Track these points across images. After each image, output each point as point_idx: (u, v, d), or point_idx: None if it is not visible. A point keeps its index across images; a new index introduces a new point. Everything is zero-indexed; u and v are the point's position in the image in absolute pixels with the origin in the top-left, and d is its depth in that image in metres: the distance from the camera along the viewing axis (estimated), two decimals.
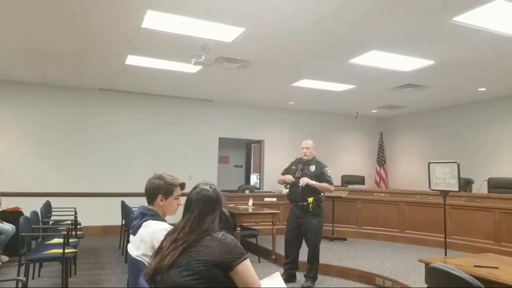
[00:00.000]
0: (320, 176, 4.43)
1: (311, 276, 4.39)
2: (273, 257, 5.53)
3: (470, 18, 3.88)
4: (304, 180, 4.33)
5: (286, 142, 9.48)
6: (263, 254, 5.70)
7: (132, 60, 5.60)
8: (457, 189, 4.44)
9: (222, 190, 6.42)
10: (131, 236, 2.08)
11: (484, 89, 6.92)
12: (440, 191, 4.62)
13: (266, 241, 5.79)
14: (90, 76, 6.69)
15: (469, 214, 6.06)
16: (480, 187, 6.85)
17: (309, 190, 4.33)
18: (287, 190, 4.69)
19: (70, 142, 7.44)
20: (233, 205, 6.43)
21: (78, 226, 5.23)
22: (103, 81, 7.07)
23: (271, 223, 5.67)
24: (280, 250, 5.58)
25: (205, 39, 4.58)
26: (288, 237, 4.57)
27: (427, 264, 2.43)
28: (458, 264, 2.47)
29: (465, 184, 6.76)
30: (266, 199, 7.28)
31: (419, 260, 2.79)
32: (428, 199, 6.47)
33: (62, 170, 7.34)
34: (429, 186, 4.78)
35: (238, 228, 5.30)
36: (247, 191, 7.74)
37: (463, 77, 6.17)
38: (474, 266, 2.47)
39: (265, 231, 6.06)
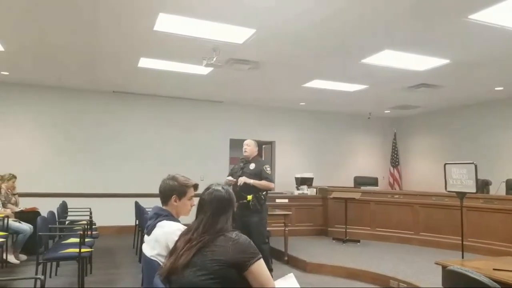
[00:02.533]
0: (260, 173, 4.49)
1: None
2: (285, 258, 5.51)
3: (487, 15, 3.81)
4: (242, 179, 4.41)
5: (298, 143, 9.45)
6: (275, 255, 5.67)
7: (145, 62, 5.65)
8: (474, 191, 4.35)
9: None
10: (145, 236, 2.10)
11: (501, 88, 6.78)
12: (457, 192, 4.53)
13: (278, 242, 5.77)
14: (104, 79, 6.77)
15: (486, 216, 5.92)
16: (498, 189, 6.70)
17: (248, 188, 4.38)
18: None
19: (84, 144, 7.56)
20: None
21: (93, 226, 5.29)
22: (116, 83, 7.15)
23: (283, 224, 5.64)
24: (292, 251, 5.57)
25: (216, 41, 4.59)
26: None
27: (444, 267, 2.37)
28: (477, 267, 2.41)
29: (483, 186, 6.61)
30: (277, 200, 7.24)
31: (435, 263, 2.73)
32: (443, 201, 6.35)
33: (78, 172, 7.46)
34: (445, 188, 4.70)
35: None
36: None
37: (480, 76, 6.06)
38: (493, 269, 2.41)
39: (277, 233, 6.03)
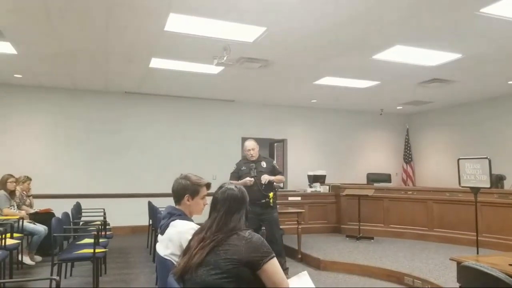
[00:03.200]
0: (273, 170, 4.58)
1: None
2: (299, 256, 5.51)
3: (498, 9, 3.76)
4: (266, 177, 4.40)
5: (309, 140, 9.43)
6: (288, 253, 5.66)
7: (156, 63, 5.70)
8: (488, 186, 4.29)
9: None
10: (159, 235, 2.12)
11: None
12: (471, 188, 4.48)
13: (292, 240, 5.78)
14: (116, 79, 6.86)
15: (501, 211, 5.83)
16: None
17: (268, 186, 4.46)
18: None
19: (97, 145, 7.66)
20: None
21: (107, 227, 5.35)
22: (128, 84, 7.23)
23: (296, 222, 5.64)
24: (306, 249, 5.57)
25: (227, 40, 4.62)
26: None
27: (459, 263, 2.35)
28: (492, 262, 2.39)
29: (497, 181, 6.52)
30: (290, 198, 7.25)
31: (450, 259, 2.70)
32: (457, 196, 6.28)
33: (91, 172, 7.57)
34: (459, 183, 4.64)
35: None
36: None
37: (492, 70, 5.96)
38: (509, 264, 2.38)
39: (290, 231, 6.04)
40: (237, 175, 4.62)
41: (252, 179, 4.41)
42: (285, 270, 4.37)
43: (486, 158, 4.28)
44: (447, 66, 5.64)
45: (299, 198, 7.31)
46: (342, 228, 7.16)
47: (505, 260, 2.55)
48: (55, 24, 4.25)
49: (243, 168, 4.62)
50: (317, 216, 7.31)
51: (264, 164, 4.59)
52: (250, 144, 4.66)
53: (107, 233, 5.11)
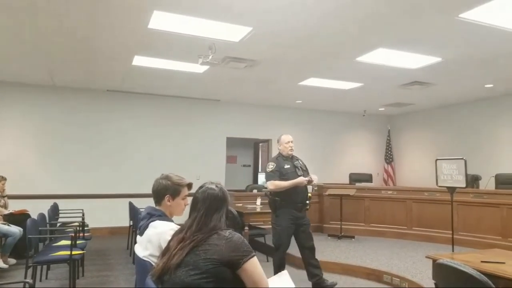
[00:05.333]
0: (307, 169, 4.26)
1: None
2: None
3: (477, 14, 3.86)
4: (316, 177, 4.05)
5: (294, 141, 9.42)
6: (271, 253, 5.69)
7: (139, 60, 5.65)
8: (464, 186, 4.43)
9: (230, 190, 6.36)
10: (138, 236, 2.09)
11: (491, 85, 6.86)
12: (447, 187, 4.62)
13: None
14: (97, 77, 6.76)
15: (476, 210, 6.02)
16: (487, 183, 6.80)
17: (313, 187, 4.19)
18: (269, 195, 4.14)
19: (77, 144, 7.50)
20: (241, 204, 6.45)
21: (85, 228, 5.25)
22: (110, 82, 7.14)
23: None
24: (288, 249, 5.59)
25: (212, 39, 4.60)
26: (288, 245, 4.14)
27: (434, 261, 2.43)
28: (465, 260, 2.47)
29: (473, 181, 6.73)
30: None
31: (426, 257, 2.79)
32: (435, 196, 6.45)
33: (70, 172, 7.40)
34: (436, 183, 4.77)
35: (246, 227, 5.33)
36: (255, 191, 7.76)
37: (470, 74, 6.12)
38: (481, 261, 2.48)
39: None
40: (279, 174, 4.05)
41: (307, 178, 4.00)
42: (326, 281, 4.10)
43: (462, 159, 4.41)
44: (427, 69, 5.77)
45: None
46: (324, 227, 7.25)
47: (478, 257, 2.64)
48: (35, 16, 4.16)
49: (286, 166, 4.09)
50: None
51: (300, 162, 4.23)
52: (289, 136, 4.29)
53: (86, 234, 5.02)
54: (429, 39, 4.63)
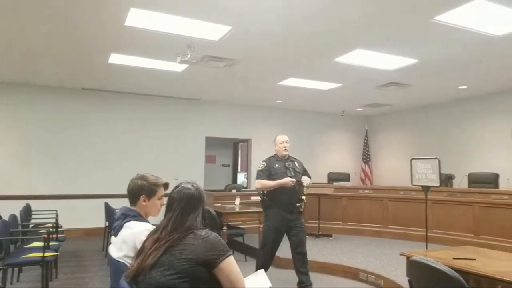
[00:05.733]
0: (304, 173, 4.15)
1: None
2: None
3: (451, 17, 3.96)
4: (308, 180, 3.96)
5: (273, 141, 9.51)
6: (249, 252, 5.72)
7: (116, 58, 5.54)
8: (438, 184, 4.54)
9: (209, 190, 6.38)
10: (112, 237, 2.06)
11: (465, 87, 7.07)
12: (422, 186, 4.72)
13: (253, 239, 5.82)
14: (72, 75, 6.59)
15: (450, 209, 6.20)
16: (460, 182, 7.02)
17: (302, 190, 4.02)
18: (261, 195, 4.12)
19: (51, 143, 7.30)
20: (220, 204, 6.43)
21: (59, 229, 5.13)
22: (85, 80, 6.97)
23: (258, 221, 5.69)
24: None
25: (191, 38, 4.56)
26: (274, 247, 4.08)
27: (408, 258, 2.49)
28: (438, 256, 2.53)
29: (446, 180, 6.92)
30: (253, 197, 7.29)
31: (400, 254, 2.85)
32: (411, 195, 6.60)
33: (43, 172, 7.20)
34: (411, 182, 4.88)
35: (225, 227, 5.31)
36: (234, 190, 7.76)
37: (445, 76, 6.29)
38: (453, 258, 2.54)
39: (252, 230, 6.08)
40: (268, 173, 4.01)
41: (294, 179, 3.90)
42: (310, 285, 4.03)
43: (436, 158, 4.53)
44: (403, 70, 5.89)
45: None
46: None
47: (450, 254, 2.71)
48: (7, 13, 4.02)
49: (277, 166, 4.04)
50: None
51: (297, 164, 4.14)
52: (285, 136, 4.21)
53: (59, 236, 4.90)
54: (405, 41, 4.73)
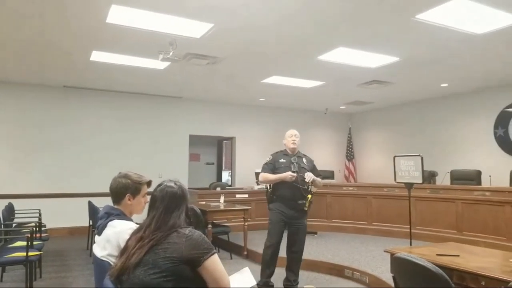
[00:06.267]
0: (313, 170, 4.01)
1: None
2: (245, 253, 5.55)
3: (433, 15, 4.01)
4: (311, 176, 3.81)
5: (258, 138, 9.51)
6: (235, 250, 5.71)
7: (97, 56, 5.43)
8: (421, 181, 4.60)
9: (193, 188, 6.30)
10: (96, 236, 2.03)
11: (446, 85, 7.20)
12: (405, 183, 4.78)
13: (238, 237, 5.81)
14: (53, 72, 6.44)
15: (433, 205, 6.30)
16: (443, 179, 7.14)
17: (308, 187, 3.91)
18: (266, 187, 4.06)
19: (33, 142, 7.15)
20: (204, 202, 6.39)
21: (42, 228, 5.05)
22: (67, 78, 6.82)
23: (242, 219, 5.68)
24: (252, 245, 5.62)
25: (173, 35, 4.50)
26: (277, 243, 3.94)
27: (392, 254, 2.50)
28: (422, 253, 2.56)
29: (429, 177, 7.03)
30: (237, 195, 7.29)
31: (384, 251, 2.87)
32: (394, 192, 6.68)
33: (25, 171, 7.05)
34: (395, 179, 4.93)
35: (210, 225, 5.28)
36: (218, 188, 7.71)
37: (426, 73, 6.39)
38: (437, 254, 2.57)
39: (237, 228, 6.06)
40: (272, 167, 3.95)
41: (295, 174, 3.79)
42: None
43: (419, 155, 4.59)
44: (385, 68, 5.95)
45: (246, 196, 7.36)
46: None
47: (433, 250, 2.74)
48: None
49: (282, 160, 3.96)
50: (264, 213, 7.28)
51: (305, 160, 4.04)
52: (294, 130, 4.15)
53: (43, 235, 4.84)
54: (387, 39, 4.78)
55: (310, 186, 3.90)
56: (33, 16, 4.07)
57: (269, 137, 9.58)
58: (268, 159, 4.07)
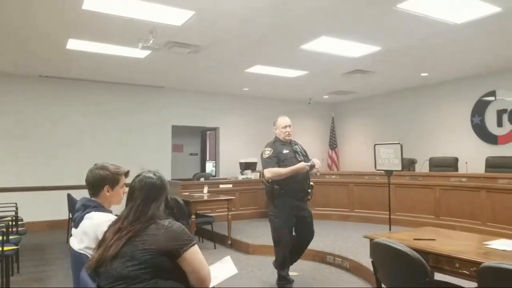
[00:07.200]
0: (306, 154, 3.85)
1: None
2: (229, 242, 5.57)
3: (414, 5, 4.04)
4: (318, 162, 3.63)
5: (242, 128, 9.50)
6: (218, 240, 5.72)
7: (74, 44, 5.28)
8: (400, 169, 4.69)
9: (176, 179, 6.24)
10: (73, 229, 2.01)
11: (426, 74, 7.30)
12: (385, 170, 4.86)
13: (222, 227, 5.82)
14: (28, 61, 6.23)
15: (412, 192, 6.45)
16: (422, 166, 7.30)
17: (312, 174, 3.72)
18: (272, 183, 3.65)
19: (8, 134, 6.93)
20: (188, 193, 6.36)
21: (19, 222, 4.94)
22: (42, 67, 6.62)
23: (226, 209, 5.69)
24: (236, 235, 5.65)
25: (153, 22, 4.41)
26: (290, 240, 3.72)
27: (371, 240, 2.55)
28: (400, 238, 2.61)
29: (409, 164, 7.17)
30: (221, 186, 7.28)
31: (364, 237, 2.92)
32: (375, 179, 6.79)
33: (1, 164, 6.84)
34: (375, 167, 5.01)
35: (193, 216, 5.27)
36: (202, 179, 7.69)
37: (407, 63, 6.46)
38: (414, 239, 2.63)
39: (221, 218, 6.07)
40: (277, 160, 3.63)
41: (309, 164, 3.56)
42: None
43: (398, 143, 4.67)
44: (367, 58, 5.98)
45: (230, 186, 7.37)
46: None
47: (411, 235, 2.80)
48: None
49: (285, 151, 3.68)
50: (248, 202, 7.44)
51: (299, 148, 3.85)
52: (287, 119, 3.84)
53: (20, 229, 4.73)
54: (368, 28, 4.79)
55: (318, 173, 3.75)
56: (5, 2, 3.91)
57: (254, 127, 9.59)
58: (268, 151, 3.69)
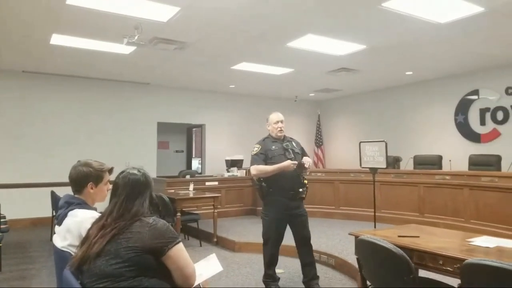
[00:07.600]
0: (303, 153, 3.74)
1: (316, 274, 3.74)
2: (215, 239, 5.56)
3: (398, 4, 4.09)
4: (309, 160, 3.52)
5: (228, 125, 9.47)
6: (204, 237, 5.70)
7: (58, 39, 5.18)
8: (384, 166, 4.74)
9: (162, 176, 6.18)
10: (56, 226, 1.99)
11: (411, 73, 7.40)
12: (370, 168, 4.91)
13: (208, 224, 5.80)
14: (10, 57, 6.09)
15: (396, 189, 6.53)
16: (406, 164, 7.40)
17: (305, 172, 3.59)
18: (259, 181, 3.58)
19: None
20: (173, 190, 6.32)
21: (2, 220, 4.82)
22: (26, 62, 6.48)
23: (212, 206, 5.67)
24: (222, 232, 5.64)
25: (138, 18, 4.36)
26: (278, 239, 3.67)
27: (356, 237, 2.58)
28: (384, 235, 2.64)
29: (394, 162, 7.26)
30: (207, 183, 7.25)
31: (349, 234, 2.94)
32: (360, 177, 6.85)
33: None
34: (360, 164, 5.06)
35: (179, 214, 5.24)
36: (188, 176, 7.65)
37: (392, 61, 6.53)
38: (398, 236, 2.66)
39: (206, 215, 6.05)
40: (264, 157, 3.54)
41: (296, 162, 3.43)
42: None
43: (383, 141, 4.72)
44: (353, 56, 6.03)
45: (216, 183, 7.35)
46: (258, 210, 7.36)
47: (396, 232, 2.84)
48: None
49: (274, 148, 3.57)
50: (234, 200, 7.44)
51: (294, 144, 3.71)
52: (279, 115, 3.74)
53: (2, 226, 4.62)
54: (354, 27, 4.83)
55: (308, 172, 3.61)
56: None
57: (240, 124, 9.58)
58: (256, 148, 3.60)
